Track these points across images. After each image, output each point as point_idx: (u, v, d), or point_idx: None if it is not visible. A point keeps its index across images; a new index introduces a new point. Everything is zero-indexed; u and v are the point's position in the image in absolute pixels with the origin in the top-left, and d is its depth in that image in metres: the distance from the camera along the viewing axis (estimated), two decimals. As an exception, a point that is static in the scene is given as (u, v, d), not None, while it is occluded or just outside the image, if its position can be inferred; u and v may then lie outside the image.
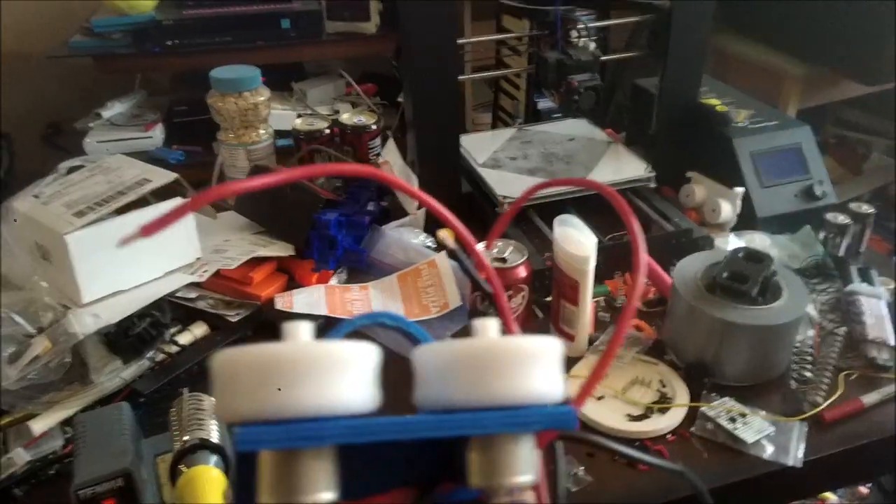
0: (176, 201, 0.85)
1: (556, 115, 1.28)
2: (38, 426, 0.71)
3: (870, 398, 0.77)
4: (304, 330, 0.18)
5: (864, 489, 1.61)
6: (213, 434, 0.56)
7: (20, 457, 0.68)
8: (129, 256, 0.81)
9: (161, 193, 0.87)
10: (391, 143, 1.09)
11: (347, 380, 0.18)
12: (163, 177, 0.87)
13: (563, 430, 0.20)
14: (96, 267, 0.79)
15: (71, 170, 0.95)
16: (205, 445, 0.54)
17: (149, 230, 0.33)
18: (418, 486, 0.19)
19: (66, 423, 0.74)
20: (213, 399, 0.61)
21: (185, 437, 0.55)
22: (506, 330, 0.20)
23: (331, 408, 0.17)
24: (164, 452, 0.66)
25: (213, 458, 0.54)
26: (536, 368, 0.19)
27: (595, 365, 0.20)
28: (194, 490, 0.50)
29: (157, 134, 1.49)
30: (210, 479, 0.51)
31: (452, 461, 0.19)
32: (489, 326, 0.19)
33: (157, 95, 1.66)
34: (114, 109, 1.54)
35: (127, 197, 0.83)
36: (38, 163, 1.33)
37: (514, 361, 0.19)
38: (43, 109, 1.70)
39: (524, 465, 0.18)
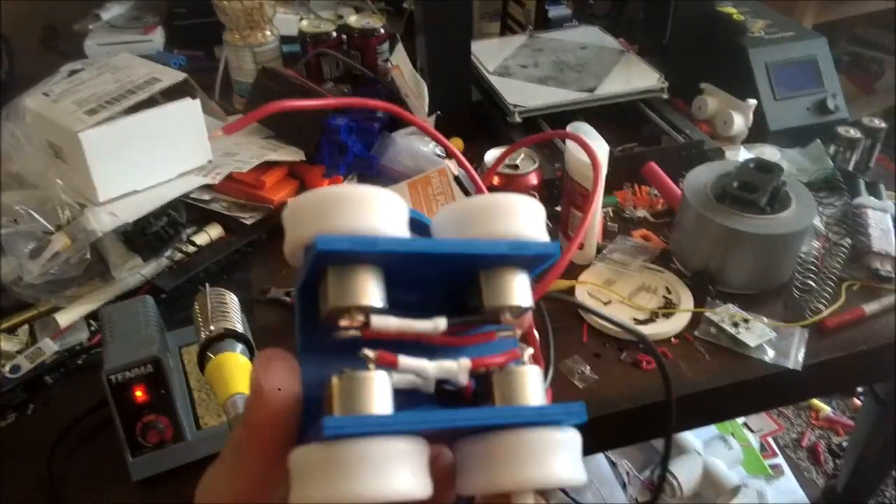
0: (186, 102, 0.85)
1: (567, 24, 1.25)
2: (63, 319, 0.73)
3: (871, 307, 0.79)
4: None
5: (856, 401, 1.67)
6: (238, 325, 0.58)
7: (48, 347, 0.71)
8: (142, 156, 0.81)
9: (169, 93, 0.86)
10: (400, 48, 1.07)
11: (388, 213, 0.23)
12: (172, 76, 0.86)
13: (549, 292, 0.26)
14: (111, 166, 0.79)
15: (72, 73, 0.93)
16: (231, 334, 0.55)
17: (230, 129, 0.40)
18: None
19: (90, 317, 0.76)
20: (233, 295, 0.63)
21: (211, 328, 0.56)
22: None
23: (378, 231, 0.22)
24: (187, 344, 0.68)
25: (239, 347, 0.55)
26: (525, 217, 0.24)
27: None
28: (223, 374, 0.52)
29: (158, 37, 1.45)
30: (238, 364, 0.53)
31: (466, 307, 0.24)
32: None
33: (155, -3, 1.61)
34: (112, 11, 1.49)
35: (137, 96, 0.82)
36: (37, 65, 1.31)
37: (509, 209, 0.24)
38: (40, 11, 1.65)
39: (522, 292, 0.24)
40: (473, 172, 0.34)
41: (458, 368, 0.23)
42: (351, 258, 0.22)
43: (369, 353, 0.22)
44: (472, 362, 0.23)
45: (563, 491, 1.14)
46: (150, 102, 0.84)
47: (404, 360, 0.22)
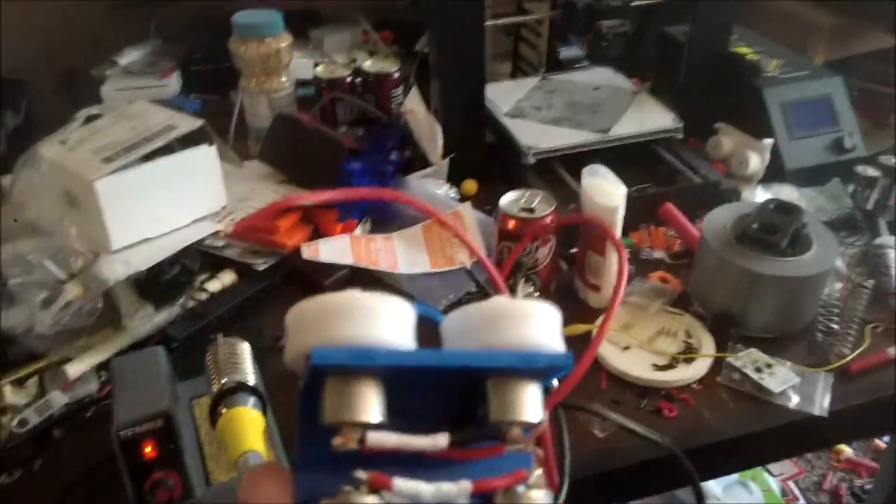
0: (202, 149, 0.85)
1: (578, 65, 1.25)
2: (73, 370, 0.72)
3: (896, 350, 0.77)
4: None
5: (880, 443, 1.63)
6: (250, 377, 0.57)
7: (57, 399, 0.70)
8: (157, 204, 0.81)
9: (186, 140, 0.86)
10: (415, 91, 1.07)
11: (391, 323, 0.22)
12: (188, 123, 0.86)
13: (565, 398, 0.25)
14: (125, 213, 0.79)
15: (89, 118, 0.94)
16: (243, 387, 0.54)
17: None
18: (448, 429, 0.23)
19: (101, 367, 0.75)
20: (246, 344, 0.62)
21: (224, 380, 0.55)
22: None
23: (380, 342, 0.22)
24: (199, 396, 0.67)
25: (251, 400, 0.54)
26: (539, 325, 0.23)
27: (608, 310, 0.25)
28: (235, 429, 0.51)
29: (174, 82, 1.47)
30: (251, 419, 0.52)
31: (473, 415, 0.23)
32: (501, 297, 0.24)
33: (172, 42, 1.63)
34: (130, 57, 1.52)
35: (153, 143, 0.83)
36: (55, 111, 1.33)
37: (522, 317, 0.23)
38: (57, 57, 1.68)
39: (533, 407, 0.22)
40: (494, 271, 0.33)
41: (457, 492, 0.22)
42: (351, 369, 0.21)
43: (362, 475, 0.21)
44: (473, 485, 0.22)
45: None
46: (166, 150, 0.84)
47: (399, 484, 0.21)
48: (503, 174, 1.05)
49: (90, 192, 0.77)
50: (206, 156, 0.84)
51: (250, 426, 0.52)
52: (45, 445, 0.69)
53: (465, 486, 0.22)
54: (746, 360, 0.76)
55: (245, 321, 0.82)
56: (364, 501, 0.20)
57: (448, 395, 0.23)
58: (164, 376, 0.62)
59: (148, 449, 0.57)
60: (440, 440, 0.22)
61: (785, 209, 0.80)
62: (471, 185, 1.04)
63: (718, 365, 0.77)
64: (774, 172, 1.02)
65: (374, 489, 0.21)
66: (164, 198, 0.82)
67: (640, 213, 0.95)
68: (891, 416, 0.81)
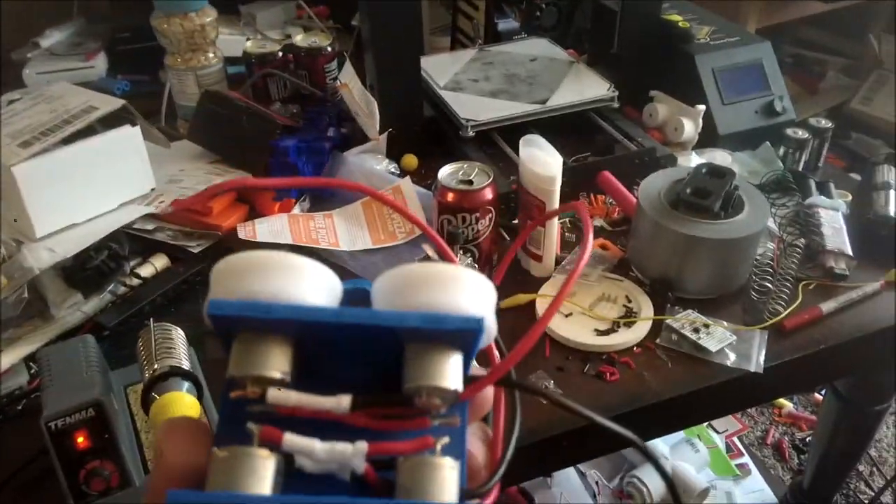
0: (125, 129, 0.82)
1: (517, 37, 1.25)
2: (1, 362, 0.69)
3: (828, 306, 0.80)
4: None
5: (818, 395, 1.69)
6: (184, 362, 0.55)
7: (-17, 394, 0.67)
8: (81, 188, 0.78)
9: (108, 121, 0.83)
10: (349, 66, 1.05)
11: (310, 283, 0.22)
12: (109, 103, 0.83)
13: (503, 377, 0.23)
14: (47, 199, 0.76)
15: (10, 103, 0.90)
16: (176, 372, 0.53)
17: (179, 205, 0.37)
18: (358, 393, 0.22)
19: (30, 358, 0.72)
20: (179, 329, 0.60)
21: (156, 366, 0.54)
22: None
23: (293, 299, 0.21)
24: (133, 383, 0.65)
25: (186, 385, 0.53)
26: (464, 289, 0.22)
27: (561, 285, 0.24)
28: (168, 414, 0.49)
29: (100, 63, 1.41)
30: (185, 404, 0.51)
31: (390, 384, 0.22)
32: (433, 256, 0.23)
33: (96, 23, 1.57)
34: (52, 38, 1.45)
35: (73, 126, 0.79)
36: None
37: (447, 280, 0.22)
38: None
39: (448, 373, 0.21)
40: (442, 241, 0.31)
41: (352, 452, 0.21)
42: (262, 327, 0.21)
43: (254, 427, 0.20)
44: (369, 447, 0.21)
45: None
46: (87, 132, 0.81)
47: (290, 439, 0.20)
48: (443, 148, 1.05)
49: (9, 179, 0.73)
50: (129, 137, 0.81)
51: (185, 411, 0.50)
52: (-26, 442, 0.66)
53: (361, 446, 0.21)
54: (684, 321, 0.78)
55: (181, 306, 0.80)
56: (254, 453, 0.20)
57: (375, 367, 0.23)
58: (95, 365, 0.60)
59: (80, 439, 0.55)
60: (343, 400, 0.21)
61: (716, 173, 0.82)
62: (410, 160, 1.03)
63: (658, 328, 0.78)
64: (708, 138, 1.04)
65: (267, 444, 0.20)
66: (89, 181, 0.78)
67: (579, 182, 0.96)
68: (824, 370, 0.84)
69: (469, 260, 0.68)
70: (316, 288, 0.22)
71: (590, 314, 0.81)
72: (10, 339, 0.72)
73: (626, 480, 1.18)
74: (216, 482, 0.20)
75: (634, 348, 0.77)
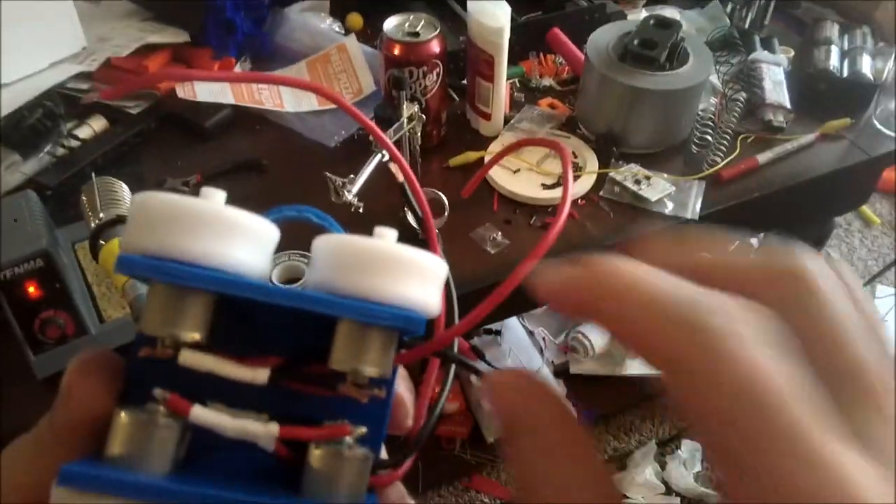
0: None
1: None
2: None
3: (764, 156, 0.83)
4: (220, 196, 0.20)
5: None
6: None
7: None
8: (7, 46, 0.74)
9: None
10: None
11: (241, 244, 0.19)
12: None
13: (444, 350, 0.22)
14: (-30, 56, 0.72)
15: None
16: (123, 220, 0.53)
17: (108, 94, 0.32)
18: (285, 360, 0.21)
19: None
20: (123, 183, 0.60)
21: (101, 215, 0.53)
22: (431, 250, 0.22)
23: (218, 263, 0.19)
24: (81, 240, 0.65)
25: (134, 233, 0.53)
26: (416, 280, 0.20)
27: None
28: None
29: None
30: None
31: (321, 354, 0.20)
32: (388, 234, 0.20)
33: None
34: None
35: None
36: None
37: (398, 267, 0.20)
38: None
39: (375, 359, 0.20)
40: (417, 185, 0.28)
41: (263, 433, 0.19)
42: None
43: (161, 393, 0.19)
44: (280, 430, 0.19)
45: (485, 360, 1.18)
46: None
47: (198, 412, 0.19)
48: (389, 6, 1.01)
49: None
50: (55, -11, 0.76)
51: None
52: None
53: (273, 428, 0.19)
54: (627, 174, 0.80)
55: (122, 168, 0.78)
56: (158, 422, 0.18)
57: (305, 331, 0.21)
58: (39, 219, 0.59)
59: (31, 289, 0.55)
60: (259, 374, 0.20)
61: (663, 24, 0.82)
62: (356, 19, 1.00)
63: (602, 181, 0.80)
64: (658, -6, 1.03)
65: (172, 413, 0.19)
66: (13, 39, 0.74)
67: (529, 40, 0.95)
68: (758, 218, 0.88)
69: (416, 108, 0.67)
70: (250, 249, 0.19)
71: (537, 170, 0.82)
72: (-53, 202, 0.70)
73: (571, 336, 1.24)
74: (115, 449, 0.18)
75: (579, 201, 0.79)
